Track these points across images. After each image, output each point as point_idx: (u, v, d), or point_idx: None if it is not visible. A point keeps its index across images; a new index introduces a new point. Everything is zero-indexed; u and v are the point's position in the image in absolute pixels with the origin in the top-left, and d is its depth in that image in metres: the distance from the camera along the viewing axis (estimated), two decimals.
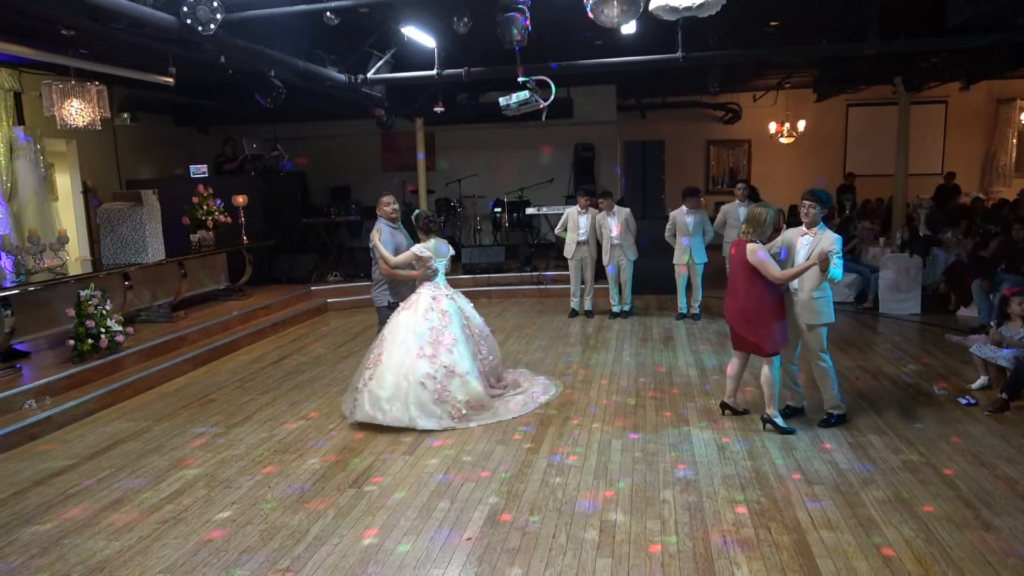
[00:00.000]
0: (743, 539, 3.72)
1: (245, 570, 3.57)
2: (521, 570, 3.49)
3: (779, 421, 5.14)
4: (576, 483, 4.44)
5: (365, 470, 4.73)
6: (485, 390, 5.72)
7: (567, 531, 3.85)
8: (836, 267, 4.83)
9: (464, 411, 5.49)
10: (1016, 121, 14.88)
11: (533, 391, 6.15)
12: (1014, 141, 15.01)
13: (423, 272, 5.85)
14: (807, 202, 5.04)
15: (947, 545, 3.60)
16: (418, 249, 5.81)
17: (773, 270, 4.94)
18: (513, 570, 3.49)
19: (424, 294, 5.80)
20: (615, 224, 8.96)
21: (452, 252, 6.05)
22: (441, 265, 5.90)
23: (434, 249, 5.83)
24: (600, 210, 9.06)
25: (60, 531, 4.03)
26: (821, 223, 5.05)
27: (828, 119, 15.66)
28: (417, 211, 6.14)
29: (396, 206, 6.22)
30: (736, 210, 8.89)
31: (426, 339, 5.56)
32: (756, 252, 4.96)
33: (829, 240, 4.92)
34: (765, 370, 5.13)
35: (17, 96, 9.34)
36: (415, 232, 6.06)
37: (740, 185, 9.24)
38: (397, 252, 5.96)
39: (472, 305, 6.17)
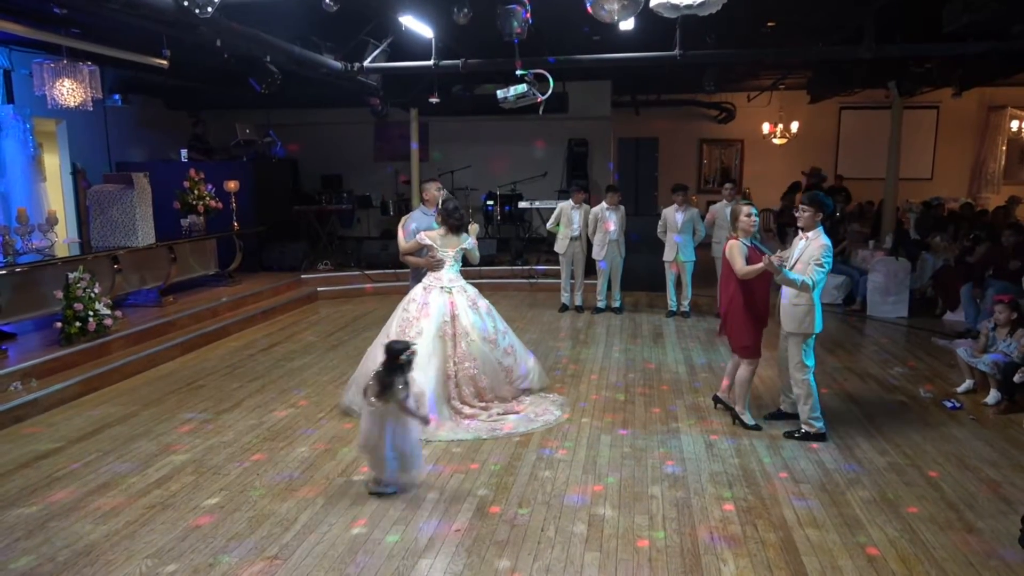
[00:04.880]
0: (730, 536, 3.75)
1: (233, 556, 3.56)
2: (509, 562, 3.50)
3: (745, 419, 5.25)
4: (565, 477, 4.45)
5: (355, 459, 4.72)
6: (427, 389, 5.04)
7: (556, 524, 3.86)
8: (812, 274, 4.71)
9: None
10: (1006, 129, 15.00)
11: (509, 419, 5.37)
12: (1003, 148, 15.14)
13: (428, 261, 5.67)
14: (801, 205, 5.01)
15: (931, 546, 3.64)
16: (420, 237, 5.67)
17: (738, 263, 5.00)
18: (501, 562, 3.50)
19: (420, 284, 5.67)
20: (614, 220, 8.97)
21: (466, 245, 5.66)
22: (448, 256, 5.64)
23: (437, 239, 5.61)
24: (606, 204, 9.04)
25: (46, 514, 4.00)
26: (820, 227, 4.93)
27: (821, 121, 15.73)
28: (445, 198, 5.97)
29: (442, 193, 6.12)
30: (724, 210, 8.90)
31: (394, 327, 5.45)
32: (733, 246, 5.05)
33: (816, 246, 4.80)
34: (741, 369, 5.26)
35: (7, 74, 9.22)
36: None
37: (728, 185, 9.27)
38: None
39: (484, 305, 5.68)
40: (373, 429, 4.11)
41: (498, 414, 5.44)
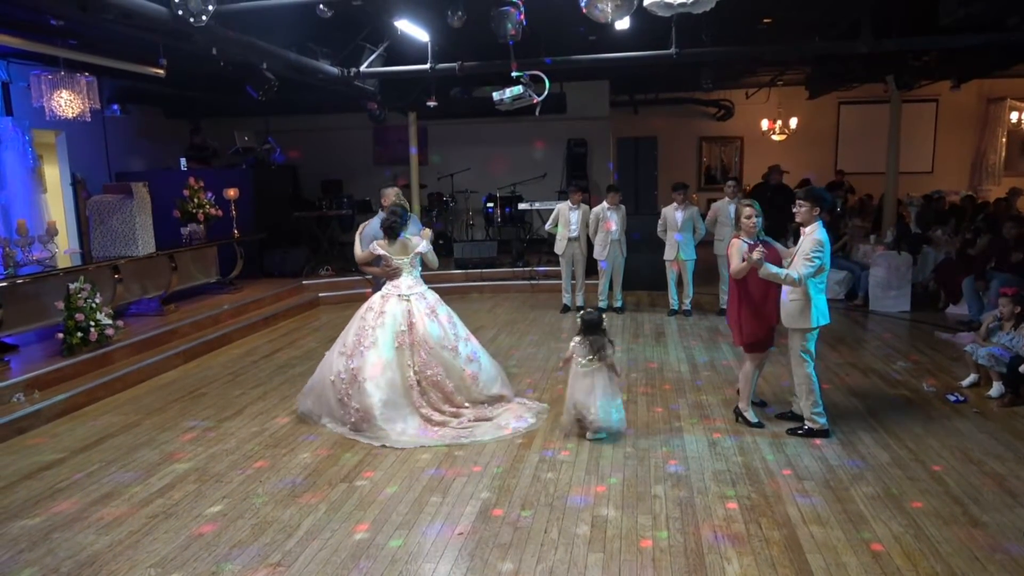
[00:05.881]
0: (734, 534, 3.74)
1: (236, 564, 3.56)
2: (513, 565, 3.50)
3: (748, 415, 5.28)
4: (568, 478, 4.44)
5: (356, 465, 4.72)
6: (380, 405, 5.12)
7: (559, 526, 3.86)
8: (800, 268, 4.72)
9: (354, 419, 5.17)
10: (1006, 120, 14.95)
11: (478, 426, 5.28)
12: (1003, 140, 15.09)
13: (383, 270, 5.58)
14: (798, 200, 4.97)
15: (935, 541, 3.62)
16: (373, 247, 5.57)
17: (733, 262, 5.08)
18: (505, 565, 3.50)
19: (378, 293, 5.60)
20: (616, 219, 8.97)
21: (420, 250, 5.56)
22: (404, 263, 5.53)
23: (389, 248, 5.52)
24: (606, 204, 9.03)
25: (49, 525, 4.00)
26: (819, 222, 4.88)
27: (820, 117, 15.71)
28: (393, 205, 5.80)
29: (396, 199, 6.01)
30: (727, 208, 8.88)
31: (351, 336, 5.38)
32: (733, 245, 5.12)
33: (809, 241, 4.79)
34: (744, 365, 5.34)
35: (5, 86, 9.25)
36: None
37: (730, 183, 9.26)
38: None
39: (443, 313, 5.56)
40: (585, 386, 4.96)
41: (469, 420, 5.31)
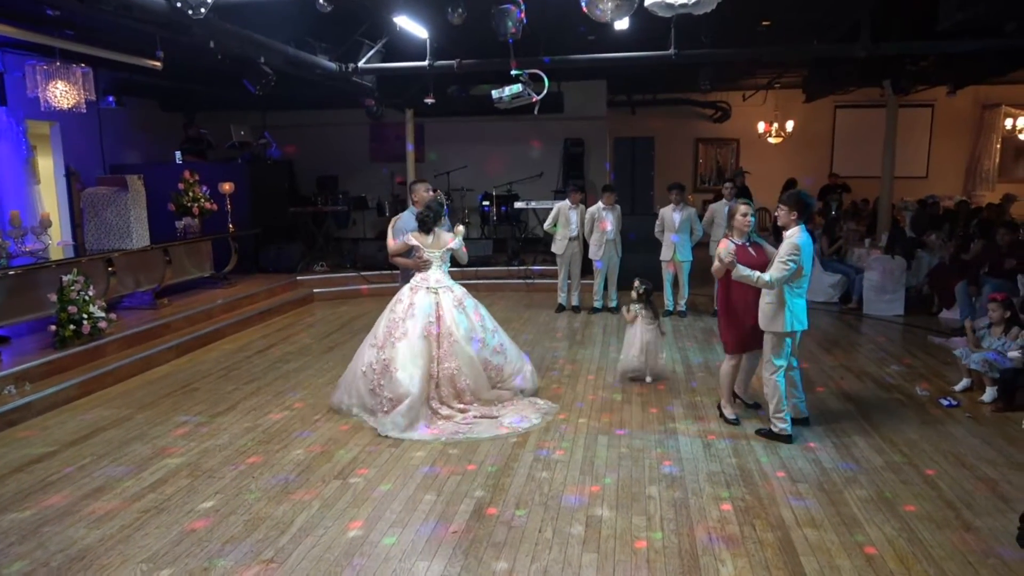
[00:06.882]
0: (728, 536, 3.74)
1: (228, 560, 3.54)
2: (507, 564, 3.49)
3: (726, 412, 5.41)
4: (562, 478, 4.44)
5: (351, 461, 4.71)
6: (414, 391, 5.22)
7: (553, 526, 3.85)
8: (772, 272, 4.75)
9: (386, 408, 5.23)
10: (1000, 127, 15.04)
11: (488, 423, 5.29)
12: (998, 146, 15.18)
13: (415, 262, 5.69)
14: (779, 204, 5.05)
15: (928, 544, 3.63)
16: (407, 238, 5.69)
17: (714, 264, 5.15)
18: (499, 564, 3.49)
19: (407, 285, 5.70)
20: (611, 219, 8.96)
21: (453, 246, 5.68)
22: (435, 257, 5.65)
23: (423, 240, 5.63)
24: (602, 204, 9.02)
25: (40, 519, 3.97)
26: (802, 226, 4.88)
27: (816, 120, 15.76)
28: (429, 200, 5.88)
29: (431, 194, 6.04)
30: (723, 209, 8.89)
31: (381, 329, 5.49)
32: (721, 243, 5.15)
33: (786, 245, 4.80)
34: (723, 364, 5.45)
35: (0, 76, 9.18)
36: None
37: (728, 184, 9.27)
38: None
39: (471, 304, 5.69)
40: (653, 339, 6.28)
41: (474, 417, 5.34)
